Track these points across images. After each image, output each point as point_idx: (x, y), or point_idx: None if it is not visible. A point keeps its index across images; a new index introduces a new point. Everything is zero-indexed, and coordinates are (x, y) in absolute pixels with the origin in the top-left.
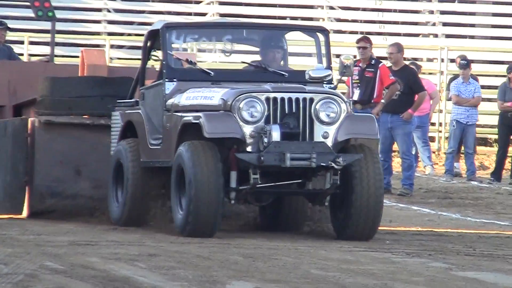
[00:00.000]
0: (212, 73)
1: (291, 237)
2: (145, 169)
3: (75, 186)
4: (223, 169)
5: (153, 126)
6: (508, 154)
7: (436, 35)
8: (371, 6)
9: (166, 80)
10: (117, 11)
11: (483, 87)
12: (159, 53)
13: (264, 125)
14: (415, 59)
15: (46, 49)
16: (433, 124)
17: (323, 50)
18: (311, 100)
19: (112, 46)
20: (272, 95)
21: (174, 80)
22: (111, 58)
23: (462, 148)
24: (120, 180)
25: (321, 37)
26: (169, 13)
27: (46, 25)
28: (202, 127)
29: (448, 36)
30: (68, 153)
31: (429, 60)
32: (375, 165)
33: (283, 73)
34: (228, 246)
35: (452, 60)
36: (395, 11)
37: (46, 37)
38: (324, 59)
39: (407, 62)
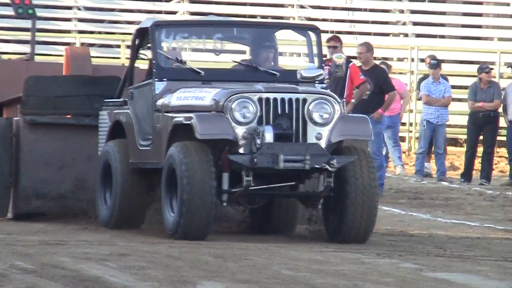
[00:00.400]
0: (202, 72)
1: (262, 238)
2: (134, 171)
3: (61, 187)
4: (215, 170)
5: (143, 126)
6: (478, 155)
7: (406, 35)
8: (341, 5)
9: (156, 79)
10: (88, 9)
11: (453, 87)
12: (147, 52)
13: (257, 126)
14: (386, 58)
15: (16, 48)
16: (403, 124)
17: (315, 49)
18: (304, 100)
19: (82, 44)
20: (264, 95)
21: (164, 79)
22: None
23: (433, 148)
24: (108, 181)
25: (312, 36)
26: (139, 11)
27: (16, 23)
28: (194, 128)
29: (418, 35)
30: (53, 154)
31: (400, 59)
32: (369, 167)
33: (275, 72)
34: (198, 246)
35: (422, 60)
36: (365, 10)
37: (16, 35)
38: (315, 59)
39: (377, 62)
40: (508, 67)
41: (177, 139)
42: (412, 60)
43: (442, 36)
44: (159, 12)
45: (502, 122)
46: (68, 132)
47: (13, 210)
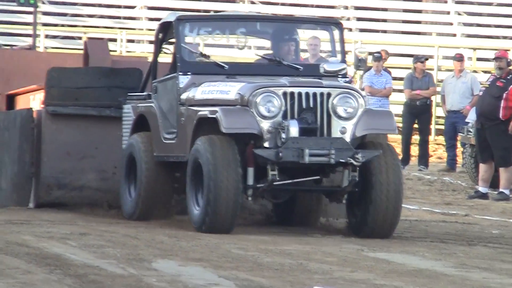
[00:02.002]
0: (226, 66)
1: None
2: (158, 163)
3: (82, 177)
4: (241, 165)
5: (167, 120)
6: (415, 142)
7: (350, 29)
8: (290, 1)
9: (180, 73)
10: (52, 3)
11: (394, 78)
12: (170, 46)
13: (282, 120)
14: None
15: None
16: None
17: (337, 44)
18: (329, 94)
19: (46, 36)
20: (289, 89)
21: (188, 73)
22: (45, 48)
23: None
24: (133, 174)
25: (335, 30)
26: (99, 5)
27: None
28: (219, 122)
29: (362, 30)
30: (75, 144)
31: (248, 47)
32: (394, 161)
33: (298, 66)
34: (154, 227)
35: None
36: (311, 6)
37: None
38: (338, 53)
39: (323, 55)
40: (424, 60)
41: (202, 133)
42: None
43: (384, 31)
44: (119, 6)
45: (440, 112)
46: (89, 123)
47: (35, 199)
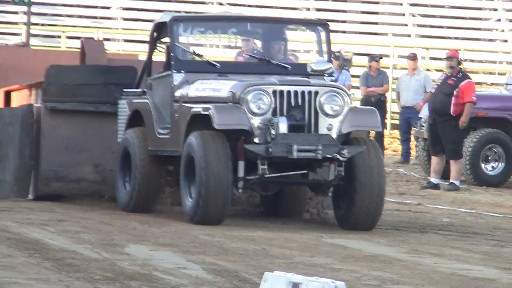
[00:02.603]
0: (218, 65)
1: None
2: (152, 157)
3: (79, 170)
4: (231, 158)
5: (161, 115)
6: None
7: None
8: (256, 3)
9: (174, 71)
10: (34, 3)
11: (353, 76)
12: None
13: (271, 117)
14: (294, 50)
15: None
16: None
17: (324, 44)
18: (316, 93)
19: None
20: (279, 88)
21: (182, 71)
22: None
23: None
24: (127, 168)
25: (322, 31)
26: (78, 6)
27: None
28: (212, 118)
29: (308, 30)
30: (73, 139)
31: (306, 51)
32: (378, 157)
33: (286, 65)
34: (127, 214)
35: None
36: (276, 7)
37: None
38: (325, 53)
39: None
40: (379, 58)
41: (195, 129)
42: (317, 52)
43: (343, 32)
44: (95, 6)
45: (395, 108)
46: (87, 118)
47: (34, 191)
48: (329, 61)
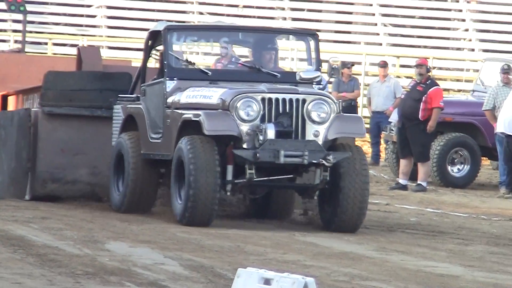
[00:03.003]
0: (209, 72)
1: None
2: (144, 161)
3: (75, 172)
4: (220, 162)
5: (154, 121)
6: None
7: (288, 38)
8: (234, 13)
9: (167, 78)
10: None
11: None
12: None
13: (260, 124)
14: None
15: None
16: None
17: (313, 53)
18: (304, 100)
19: (16, 41)
20: (267, 95)
21: (175, 78)
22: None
23: None
24: (121, 170)
25: (311, 41)
26: (64, 14)
27: None
28: (202, 124)
29: (298, 39)
30: (69, 142)
31: (281, 59)
32: (362, 163)
33: (276, 74)
34: (108, 212)
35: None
36: (253, 17)
37: None
38: (313, 62)
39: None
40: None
41: (186, 134)
42: (292, 59)
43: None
44: (81, 15)
45: (366, 112)
46: (83, 122)
47: (30, 192)
48: (317, 69)
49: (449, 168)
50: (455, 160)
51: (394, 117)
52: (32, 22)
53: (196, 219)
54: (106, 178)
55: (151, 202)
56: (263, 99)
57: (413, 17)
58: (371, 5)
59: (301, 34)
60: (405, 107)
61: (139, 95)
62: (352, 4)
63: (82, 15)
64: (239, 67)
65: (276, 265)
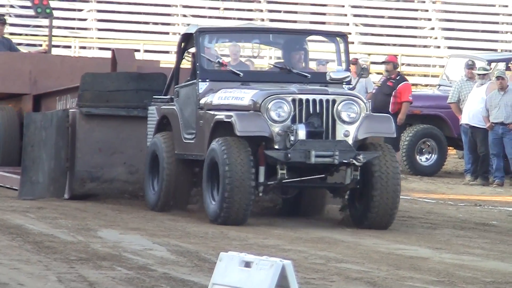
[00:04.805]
0: (241, 74)
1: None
2: (178, 160)
3: (112, 171)
4: (253, 164)
5: (187, 121)
6: None
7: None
8: (216, 15)
9: (200, 80)
10: (17, 16)
11: None
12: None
13: (291, 124)
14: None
15: None
16: None
17: (343, 54)
18: (334, 101)
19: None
20: (298, 96)
21: (207, 80)
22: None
23: None
24: (156, 170)
25: (340, 41)
26: (57, 18)
27: None
28: (234, 125)
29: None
30: (106, 141)
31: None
32: (393, 162)
33: (306, 74)
34: (101, 202)
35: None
36: (234, 18)
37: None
38: (343, 62)
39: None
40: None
41: (218, 135)
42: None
43: None
44: (73, 18)
45: None
46: (119, 122)
47: (69, 191)
48: (347, 70)
49: (417, 157)
50: (423, 150)
51: None
52: (28, 26)
53: (230, 219)
54: (142, 176)
55: (185, 201)
56: (293, 100)
57: (382, 17)
58: (343, 6)
59: (331, 35)
60: (376, 101)
61: (172, 96)
62: (325, 5)
63: (74, 18)
64: (270, 68)
65: (257, 249)
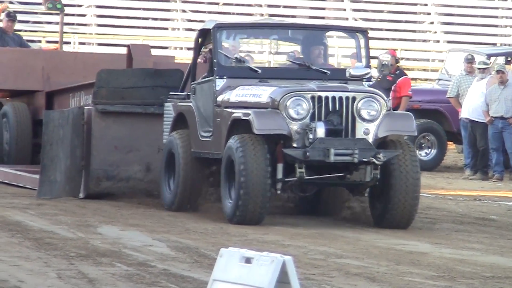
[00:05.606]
0: (259, 70)
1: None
2: (195, 159)
3: (128, 169)
4: (270, 161)
5: (204, 119)
6: None
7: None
8: (215, 10)
9: (217, 77)
10: (16, 11)
11: None
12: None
13: (310, 122)
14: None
15: None
16: None
17: (363, 50)
18: (354, 98)
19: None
20: (317, 93)
21: (224, 77)
22: None
23: None
24: (172, 168)
25: (361, 37)
26: (56, 13)
27: None
28: (252, 123)
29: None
30: (122, 139)
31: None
32: (413, 159)
33: (325, 70)
34: (101, 199)
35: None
36: (233, 14)
37: None
38: (363, 58)
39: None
40: None
41: (236, 132)
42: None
43: None
44: (72, 14)
45: None
46: (135, 119)
47: (85, 190)
48: (367, 66)
49: (417, 152)
50: (423, 145)
51: None
52: (27, 22)
53: (247, 218)
54: (159, 174)
55: (202, 200)
56: (312, 98)
57: (381, 11)
58: (342, 0)
59: (351, 30)
60: None
61: (189, 93)
62: (324, 0)
63: (73, 14)
64: (288, 64)
65: (257, 245)
